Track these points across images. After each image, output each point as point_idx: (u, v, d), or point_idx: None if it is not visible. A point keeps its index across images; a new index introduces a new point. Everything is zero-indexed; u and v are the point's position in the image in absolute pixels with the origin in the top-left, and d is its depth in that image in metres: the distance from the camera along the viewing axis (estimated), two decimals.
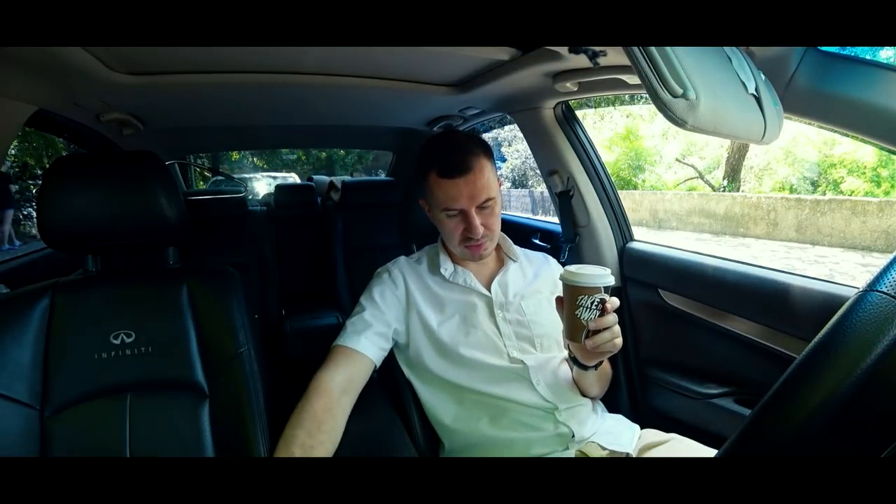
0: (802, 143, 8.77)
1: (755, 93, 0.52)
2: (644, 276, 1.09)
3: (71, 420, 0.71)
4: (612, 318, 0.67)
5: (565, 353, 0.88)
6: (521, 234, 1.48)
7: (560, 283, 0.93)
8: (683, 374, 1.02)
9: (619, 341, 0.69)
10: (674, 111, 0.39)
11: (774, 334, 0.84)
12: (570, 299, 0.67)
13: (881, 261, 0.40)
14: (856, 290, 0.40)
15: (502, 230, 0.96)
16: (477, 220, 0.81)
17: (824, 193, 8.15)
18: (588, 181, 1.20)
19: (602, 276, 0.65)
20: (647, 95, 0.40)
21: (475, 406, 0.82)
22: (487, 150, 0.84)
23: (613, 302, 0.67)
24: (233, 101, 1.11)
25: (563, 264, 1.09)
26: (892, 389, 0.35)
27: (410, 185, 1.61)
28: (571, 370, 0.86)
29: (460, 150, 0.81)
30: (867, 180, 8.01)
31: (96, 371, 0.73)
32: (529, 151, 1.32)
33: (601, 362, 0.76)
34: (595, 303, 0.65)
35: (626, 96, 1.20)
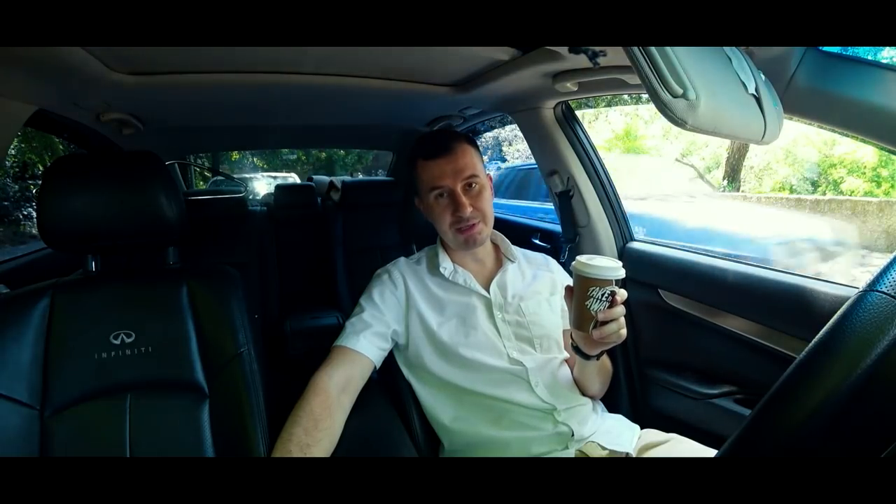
0: (802, 143, 8.77)
1: (755, 93, 0.52)
2: (644, 276, 1.09)
3: (71, 420, 0.71)
4: (620, 309, 0.68)
5: (565, 354, 0.88)
6: (521, 234, 1.48)
7: (560, 284, 0.93)
8: (683, 374, 1.02)
9: (624, 332, 0.69)
10: (674, 111, 0.39)
11: (774, 334, 0.84)
12: (582, 290, 0.67)
13: (881, 261, 0.40)
14: (856, 290, 0.40)
15: (501, 231, 0.96)
16: (464, 199, 0.83)
17: (824, 193, 8.15)
18: (588, 181, 1.20)
19: (615, 268, 0.66)
20: (647, 95, 0.40)
21: (474, 407, 0.82)
22: (471, 140, 0.90)
23: (622, 294, 0.68)
24: (233, 101, 1.11)
25: (563, 264, 1.09)
26: (892, 389, 0.35)
27: (410, 185, 1.61)
28: (572, 369, 0.86)
29: (442, 136, 0.89)
30: (867, 180, 8.01)
31: (96, 371, 0.73)
32: (530, 151, 1.32)
33: (603, 352, 0.77)
34: (606, 295, 0.66)
35: (627, 96, 1.20)
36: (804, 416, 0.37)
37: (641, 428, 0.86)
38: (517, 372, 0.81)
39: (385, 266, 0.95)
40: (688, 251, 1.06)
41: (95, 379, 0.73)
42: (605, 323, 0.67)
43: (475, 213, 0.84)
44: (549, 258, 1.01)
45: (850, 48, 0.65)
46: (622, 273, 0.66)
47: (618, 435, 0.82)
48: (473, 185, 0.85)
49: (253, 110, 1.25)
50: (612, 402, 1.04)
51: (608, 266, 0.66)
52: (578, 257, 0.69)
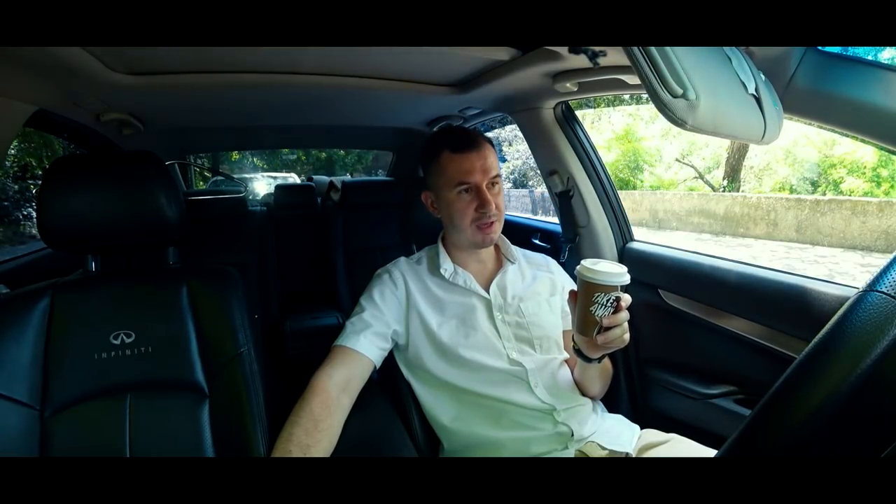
0: (802, 143, 8.77)
1: (755, 93, 0.52)
2: (644, 276, 1.09)
3: (71, 420, 0.71)
4: (624, 315, 0.68)
5: (565, 354, 0.88)
6: (521, 234, 1.48)
7: (560, 285, 0.93)
8: (683, 374, 1.02)
9: (627, 337, 0.69)
10: (674, 111, 0.39)
11: (775, 334, 0.84)
12: (586, 296, 0.67)
13: (881, 261, 0.40)
14: (856, 290, 0.40)
15: (502, 231, 0.96)
16: (489, 196, 0.84)
17: (824, 193, 8.16)
18: (588, 181, 1.20)
19: (620, 274, 0.66)
20: (647, 96, 0.40)
21: (474, 407, 0.82)
22: (489, 140, 0.90)
23: (626, 299, 0.68)
24: (233, 101, 1.11)
25: (563, 264, 1.09)
26: (892, 389, 0.35)
27: (410, 185, 1.61)
28: (572, 370, 0.86)
29: (469, 132, 0.89)
30: (867, 180, 8.01)
31: (96, 371, 0.73)
32: (530, 151, 1.32)
33: (605, 355, 0.76)
34: (611, 300, 0.66)
35: (627, 96, 1.20)
36: (804, 417, 0.37)
37: (641, 428, 0.86)
38: (517, 373, 0.81)
39: (385, 266, 0.95)
40: (688, 251, 1.06)
41: (95, 379, 0.73)
42: (609, 328, 0.67)
43: (496, 211, 0.85)
44: (550, 259, 1.01)
45: (850, 48, 0.65)
46: (627, 279, 0.66)
47: (617, 435, 0.82)
48: (496, 184, 0.87)
49: (253, 110, 1.25)
50: (612, 402, 1.04)
51: (613, 272, 0.65)
52: (583, 262, 0.68)
